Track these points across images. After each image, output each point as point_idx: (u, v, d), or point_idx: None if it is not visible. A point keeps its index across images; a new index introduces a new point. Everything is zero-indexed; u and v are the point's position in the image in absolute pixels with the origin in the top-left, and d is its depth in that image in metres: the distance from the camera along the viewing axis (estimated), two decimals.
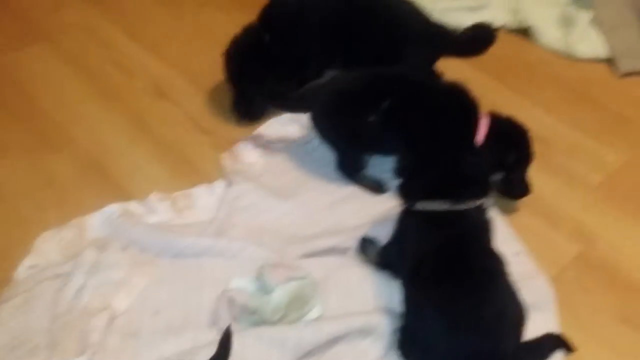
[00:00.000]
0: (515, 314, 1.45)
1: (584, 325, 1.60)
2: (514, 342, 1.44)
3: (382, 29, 1.99)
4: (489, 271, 1.47)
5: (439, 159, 1.56)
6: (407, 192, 1.57)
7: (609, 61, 2.31)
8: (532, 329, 1.49)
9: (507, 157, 1.76)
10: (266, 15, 2.08)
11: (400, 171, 1.60)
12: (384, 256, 1.66)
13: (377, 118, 1.77)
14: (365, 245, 1.71)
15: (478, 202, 1.53)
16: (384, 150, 1.89)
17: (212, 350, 1.48)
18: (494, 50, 1.99)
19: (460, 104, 1.79)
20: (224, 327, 1.54)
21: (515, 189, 1.82)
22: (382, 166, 1.91)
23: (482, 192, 1.55)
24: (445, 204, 1.51)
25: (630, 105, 2.17)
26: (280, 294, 1.55)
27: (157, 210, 1.87)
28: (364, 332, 1.55)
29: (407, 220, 1.59)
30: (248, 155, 2.02)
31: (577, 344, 1.54)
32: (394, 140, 1.79)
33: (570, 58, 2.35)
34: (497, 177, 1.76)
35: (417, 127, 1.76)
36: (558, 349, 1.53)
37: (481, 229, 1.54)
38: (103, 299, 1.62)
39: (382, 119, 1.77)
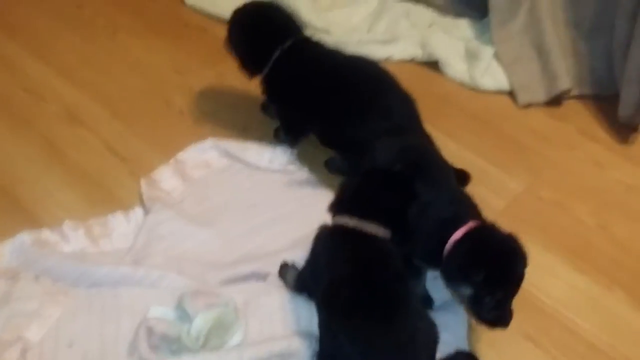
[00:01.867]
0: (427, 335, 1.50)
1: (492, 342, 1.69)
2: None
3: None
4: (399, 295, 1.51)
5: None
6: (332, 205, 1.63)
7: (511, 93, 2.47)
8: (444, 349, 1.55)
9: (473, 274, 1.51)
10: None
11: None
12: (299, 280, 1.69)
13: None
14: (284, 270, 1.74)
15: (384, 231, 1.58)
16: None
17: None
18: (404, 82, 2.08)
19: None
20: (143, 357, 1.53)
21: (484, 312, 1.54)
22: None
23: (395, 225, 1.59)
24: (354, 220, 1.56)
25: (529, 135, 2.32)
26: (200, 322, 1.55)
27: (71, 238, 1.82)
28: (284, 356, 1.57)
29: (320, 239, 1.62)
30: (167, 182, 2.01)
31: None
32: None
33: (475, 90, 2.49)
34: (464, 291, 1.54)
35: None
36: None
37: (390, 253, 1.58)
38: (15, 330, 1.57)
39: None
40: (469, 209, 1.65)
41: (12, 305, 1.62)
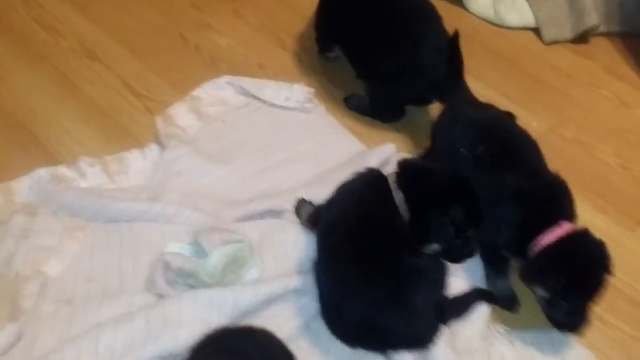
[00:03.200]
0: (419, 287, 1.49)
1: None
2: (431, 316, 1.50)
3: None
4: (394, 249, 1.49)
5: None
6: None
7: (536, 30, 2.39)
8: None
9: (553, 281, 1.49)
10: None
11: None
12: (314, 214, 1.67)
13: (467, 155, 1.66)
14: (300, 205, 1.73)
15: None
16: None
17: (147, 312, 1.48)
18: None
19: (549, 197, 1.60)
20: (160, 291, 1.55)
21: (556, 315, 1.54)
22: None
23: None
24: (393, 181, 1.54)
25: (554, 73, 2.26)
26: (216, 257, 1.56)
27: (87, 174, 1.82)
28: (300, 291, 1.58)
29: (357, 180, 1.60)
30: (182, 118, 1.99)
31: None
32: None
33: (500, 26, 2.41)
34: (540, 292, 1.54)
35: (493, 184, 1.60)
36: (482, 301, 1.62)
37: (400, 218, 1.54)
38: (34, 265, 1.59)
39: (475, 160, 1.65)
40: (564, 202, 1.58)
41: (30, 240, 1.63)
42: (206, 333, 1.36)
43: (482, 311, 1.61)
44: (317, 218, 1.65)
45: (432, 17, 1.95)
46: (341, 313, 1.49)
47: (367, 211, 1.53)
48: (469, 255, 1.56)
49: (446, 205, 1.48)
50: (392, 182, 1.55)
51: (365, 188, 1.58)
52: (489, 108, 1.83)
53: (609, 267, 1.50)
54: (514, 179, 1.58)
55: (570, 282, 1.47)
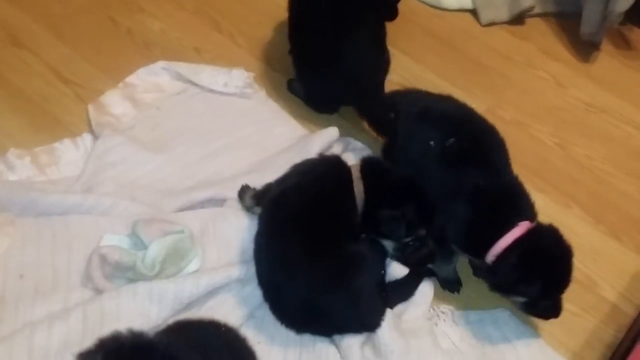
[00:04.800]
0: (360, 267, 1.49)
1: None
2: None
3: None
4: (337, 236, 1.49)
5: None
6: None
7: (474, 12, 2.40)
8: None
9: (528, 288, 1.50)
10: None
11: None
12: (260, 193, 1.64)
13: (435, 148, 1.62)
14: (243, 191, 1.70)
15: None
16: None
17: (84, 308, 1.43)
18: None
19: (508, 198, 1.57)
20: (97, 286, 1.49)
21: (539, 312, 1.57)
22: None
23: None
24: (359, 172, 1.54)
25: (491, 55, 2.28)
26: (156, 249, 1.51)
27: (16, 167, 1.74)
28: (242, 282, 1.55)
29: (310, 163, 1.60)
30: (116, 106, 1.92)
31: None
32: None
33: (438, 9, 2.42)
34: (518, 299, 1.55)
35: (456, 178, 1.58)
36: (422, 279, 1.63)
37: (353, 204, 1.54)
38: None
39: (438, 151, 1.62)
40: (522, 202, 1.56)
41: None
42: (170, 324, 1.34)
43: (425, 293, 1.63)
44: (263, 195, 1.62)
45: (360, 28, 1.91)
46: (281, 294, 1.46)
47: (321, 193, 1.52)
48: (427, 259, 1.58)
49: (400, 202, 1.50)
50: (355, 172, 1.54)
51: (324, 171, 1.57)
52: (451, 100, 1.80)
53: (571, 250, 1.50)
54: (475, 176, 1.56)
55: (546, 283, 1.48)
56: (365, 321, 1.49)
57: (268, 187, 1.62)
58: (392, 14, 2.15)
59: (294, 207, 1.49)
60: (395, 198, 1.51)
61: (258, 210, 1.63)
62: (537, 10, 2.39)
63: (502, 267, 1.49)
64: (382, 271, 1.55)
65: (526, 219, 1.52)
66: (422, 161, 1.61)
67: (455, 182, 1.57)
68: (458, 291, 1.67)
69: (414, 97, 1.81)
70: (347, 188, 1.52)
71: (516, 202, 1.55)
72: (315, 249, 1.44)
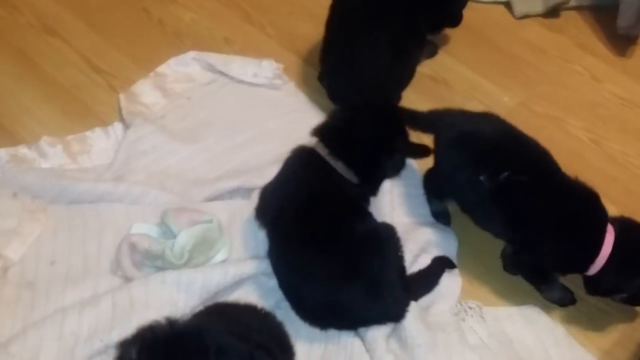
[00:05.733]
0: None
1: (477, 258, 1.69)
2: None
3: None
4: (343, 225, 1.48)
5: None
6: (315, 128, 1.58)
7: (507, 4, 2.37)
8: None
9: (634, 283, 1.50)
10: None
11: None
12: (262, 207, 1.61)
13: (489, 184, 1.52)
14: None
15: (349, 174, 1.53)
16: (480, 222, 1.64)
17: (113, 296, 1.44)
18: None
19: (589, 210, 1.53)
20: (126, 274, 1.51)
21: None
22: None
23: (360, 170, 1.54)
24: (323, 149, 1.52)
25: (524, 48, 2.24)
26: (184, 238, 1.52)
27: (49, 154, 1.77)
28: (269, 273, 1.55)
29: (290, 157, 1.58)
30: (147, 96, 1.93)
31: (472, 273, 1.66)
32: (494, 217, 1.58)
33: (470, 0, 2.38)
34: (619, 296, 1.56)
35: (527, 215, 1.53)
36: (445, 269, 1.63)
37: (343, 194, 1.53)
38: None
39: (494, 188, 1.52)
40: (597, 204, 1.52)
41: None
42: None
43: (452, 287, 1.61)
44: (263, 211, 1.59)
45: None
46: (303, 299, 1.46)
47: (308, 189, 1.50)
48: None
49: (389, 143, 1.52)
50: (324, 154, 1.52)
51: (297, 168, 1.55)
52: (490, 119, 1.68)
53: None
54: (546, 203, 1.51)
55: None
56: (388, 310, 1.47)
57: (265, 200, 1.59)
58: (457, 21, 2.12)
59: (289, 217, 1.48)
60: (380, 144, 1.55)
61: None
62: (572, 3, 2.34)
63: (607, 274, 1.49)
64: (399, 252, 1.51)
65: (607, 219, 1.51)
66: (475, 196, 1.56)
67: (533, 218, 1.52)
68: (574, 302, 1.62)
69: (452, 120, 1.67)
70: (325, 169, 1.51)
71: (594, 208, 1.53)
72: (325, 245, 1.44)
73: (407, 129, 1.62)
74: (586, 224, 1.51)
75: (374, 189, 1.59)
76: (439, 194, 1.71)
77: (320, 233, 1.45)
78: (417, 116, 1.71)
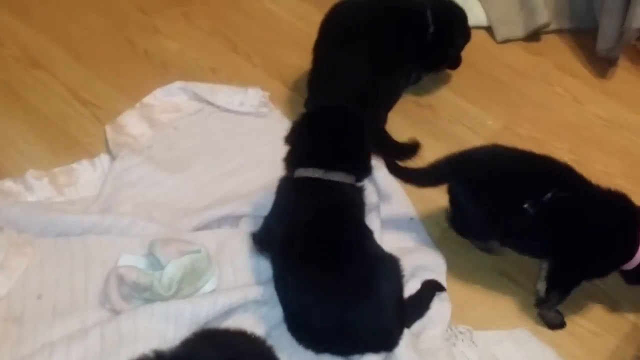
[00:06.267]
0: (387, 280, 1.48)
1: (466, 282, 1.70)
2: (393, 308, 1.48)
3: None
4: (356, 244, 1.48)
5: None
6: (289, 159, 1.58)
7: (489, 29, 2.40)
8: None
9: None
10: None
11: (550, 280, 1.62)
12: (261, 233, 1.62)
13: (534, 209, 1.54)
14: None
15: (350, 178, 1.55)
16: (525, 247, 1.66)
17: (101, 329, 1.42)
18: None
19: (625, 210, 1.59)
20: (114, 306, 1.49)
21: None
22: None
23: (357, 169, 1.57)
24: (318, 172, 1.52)
25: (506, 71, 2.28)
26: (173, 269, 1.51)
27: (35, 188, 1.75)
28: (258, 302, 1.55)
29: (284, 189, 1.59)
30: (134, 127, 1.94)
31: (462, 297, 1.65)
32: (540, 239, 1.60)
33: None
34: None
35: (571, 231, 1.57)
36: (435, 293, 1.63)
37: (352, 204, 1.55)
38: None
39: (538, 211, 1.54)
40: (628, 202, 1.59)
41: None
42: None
43: (442, 312, 1.61)
44: (266, 239, 1.60)
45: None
46: (310, 319, 1.44)
47: (315, 211, 1.50)
48: None
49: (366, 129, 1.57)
50: (319, 175, 1.52)
51: (301, 195, 1.54)
52: (505, 150, 1.69)
53: None
54: (592, 213, 1.56)
55: None
56: (386, 336, 1.46)
57: (267, 227, 1.60)
58: (456, 63, 2.16)
59: (302, 239, 1.47)
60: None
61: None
62: (552, 26, 2.39)
63: None
64: (402, 279, 1.51)
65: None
66: (518, 226, 1.58)
67: (572, 231, 1.56)
68: (563, 326, 1.64)
69: (464, 165, 1.66)
70: (323, 187, 1.52)
71: (628, 207, 1.58)
72: (339, 265, 1.43)
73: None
74: (625, 224, 1.56)
75: (367, 177, 1.62)
76: (482, 236, 1.71)
77: (333, 253, 1.44)
78: (425, 172, 1.70)
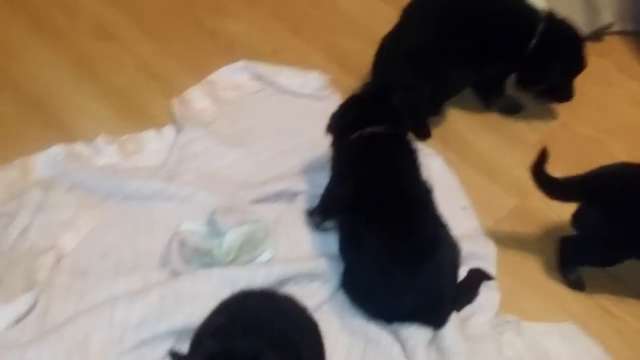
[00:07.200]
0: (449, 247, 1.53)
1: (516, 273, 1.70)
2: (451, 277, 1.53)
3: None
4: (422, 200, 1.54)
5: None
6: (340, 126, 1.65)
7: None
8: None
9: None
10: None
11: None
12: (324, 202, 1.67)
13: None
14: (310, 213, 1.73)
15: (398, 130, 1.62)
16: None
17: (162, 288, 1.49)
18: None
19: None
20: (175, 268, 1.56)
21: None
22: None
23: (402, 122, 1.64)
24: (376, 128, 1.58)
25: None
26: (232, 237, 1.57)
27: (104, 152, 1.84)
28: (311, 275, 1.59)
29: (343, 153, 1.64)
30: (198, 102, 2.00)
31: (511, 288, 1.66)
32: None
33: None
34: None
35: None
36: (483, 281, 1.64)
37: (409, 158, 1.61)
38: (49, 238, 1.60)
39: None
40: None
41: (47, 213, 1.64)
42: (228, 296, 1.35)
43: (491, 300, 1.62)
44: (329, 206, 1.65)
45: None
46: (376, 276, 1.48)
47: (391, 169, 1.57)
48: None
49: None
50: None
51: (359, 155, 1.61)
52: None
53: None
54: None
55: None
56: (440, 301, 1.50)
57: (329, 195, 1.65)
58: (565, 95, 2.06)
59: (373, 196, 1.53)
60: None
61: (330, 224, 1.66)
62: (615, 27, 2.37)
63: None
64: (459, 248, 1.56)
65: None
66: None
67: None
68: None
69: (603, 185, 1.64)
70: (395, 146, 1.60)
71: None
72: (409, 222, 1.49)
73: None
74: None
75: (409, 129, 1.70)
76: (609, 261, 1.68)
77: (403, 211, 1.50)
78: (563, 183, 1.67)
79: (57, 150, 1.80)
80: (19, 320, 1.45)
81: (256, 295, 1.37)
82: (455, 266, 1.54)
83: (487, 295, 1.63)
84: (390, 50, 1.94)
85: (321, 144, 1.92)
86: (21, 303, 1.46)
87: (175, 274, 1.56)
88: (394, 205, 1.51)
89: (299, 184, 1.78)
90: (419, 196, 1.55)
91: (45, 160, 1.78)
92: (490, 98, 2.08)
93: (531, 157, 1.66)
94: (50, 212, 1.65)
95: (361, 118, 1.63)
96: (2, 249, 1.57)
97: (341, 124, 1.66)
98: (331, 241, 1.65)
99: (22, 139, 1.86)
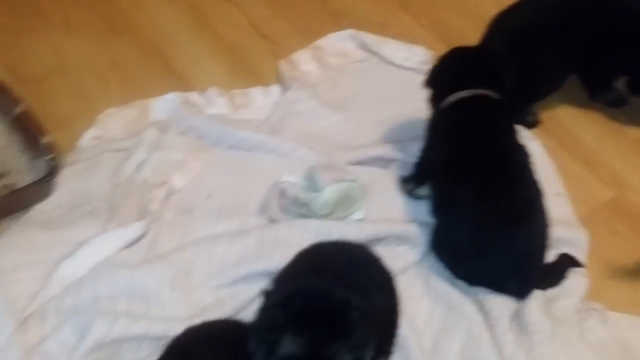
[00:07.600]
0: (542, 215, 1.54)
1: (606, 263, 1.69)
2: (542, 246, 1.54)
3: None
4: (520, 164, 1.55)
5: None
6: (440, 81, 1.67)
7: None
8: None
9: None
10: None
11: None
12: (419, 168, 1.70)
13: None
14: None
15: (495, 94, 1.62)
16: None
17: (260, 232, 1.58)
18: None
19: None
20: (273, 216, 1.64)
21: None
22: None
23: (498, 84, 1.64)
24: (470, 92, 1.60)
25: None
26: (329, 193, 1.63)
27: (215, 103, 1.94)
28: (401, 238, 1.63)
29: (438, 118, 1.66)
30: (305, 64, 2.08)
31: (600, 277, 1.65)
32: None
33: None
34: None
35: None
36: (571, 267, 1.62)
37: (508, 123, 1.62)
38: (161, 175, 1.72)
39: None
40: None
41: (160, 152, 1.77)
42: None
43: (578, 285, 1.61)
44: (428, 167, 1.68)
45: None
46: (469, 236, 1.52)
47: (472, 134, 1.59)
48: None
49: None
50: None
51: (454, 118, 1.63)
52: None
53: None
54: None
55: None
56: (528, 268, 1.51)
57: (424, 161, 1.68)
58: None
59: (470, 158, 1.56)
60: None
61: (423, 191, 1.69)
62: None
63: None
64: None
65: None
66: None
67: None
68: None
69: None
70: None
71: None
72: (508, 184, 1.51)
73: None
74: None
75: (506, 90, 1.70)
76: None
77: (502, 172, 1.52)
78: None
79: (173, 97, 1.92)
80: (131, 244, 1.57)
81: (329, 245, 1.45)
82: (545, 236, 1.54)
83: (575, 281, 1.62)
84: (501, 30, 1.94)
85: (419, 116, 1.96)
86: (134, 229, 1.58)
87: (272, 221, 1.64)
88: (492, 167, 1.52)
89: (395, 152, 1.82)
90: (518, 159, 1.55)
91: (162, 105, 1.91)
92: (598, 91, 2.05)
93: (630, 152, 1.64)
94: (163, 152, 1.76)
95: (461, 76, 1.64)
96: (119, 181, 1.71)
97: (440, 79, 1.68)
98: (422, 209, 1.69)
99: (141, 83, 1.99)
